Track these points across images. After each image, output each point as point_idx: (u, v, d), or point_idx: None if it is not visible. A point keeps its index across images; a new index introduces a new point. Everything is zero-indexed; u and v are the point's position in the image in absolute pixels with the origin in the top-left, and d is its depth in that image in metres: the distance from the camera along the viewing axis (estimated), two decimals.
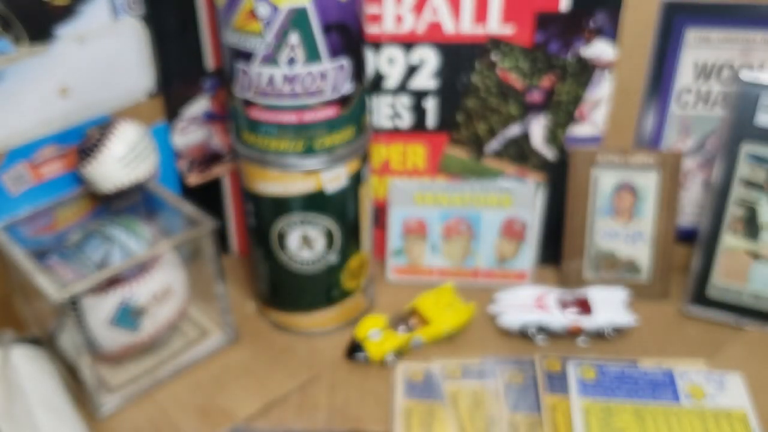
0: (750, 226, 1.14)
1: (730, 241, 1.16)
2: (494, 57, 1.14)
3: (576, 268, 1.25)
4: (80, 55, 1.06)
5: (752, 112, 1.10)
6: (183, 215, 1.08)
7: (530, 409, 1.03)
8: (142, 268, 1.03)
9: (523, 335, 1.16)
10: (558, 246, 1.27)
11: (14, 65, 1.00)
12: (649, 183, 1.20)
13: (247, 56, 0.96)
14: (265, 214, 1.09)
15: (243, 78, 0.98)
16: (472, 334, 1.17)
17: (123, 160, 1.04)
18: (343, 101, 1.00)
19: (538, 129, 1.19)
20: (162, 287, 1.05)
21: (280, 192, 1.05)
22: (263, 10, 0.91)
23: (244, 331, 1.18)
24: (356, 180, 1.08)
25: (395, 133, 1.21)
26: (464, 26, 1.12)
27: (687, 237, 1.26)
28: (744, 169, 1.12)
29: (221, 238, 1.32)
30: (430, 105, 1.19)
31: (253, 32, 0.93)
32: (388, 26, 1.12)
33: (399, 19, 1.12)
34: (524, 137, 1.20)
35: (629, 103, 1.17)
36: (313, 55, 0.95)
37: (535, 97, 1.17)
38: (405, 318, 1.16)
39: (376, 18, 1.12)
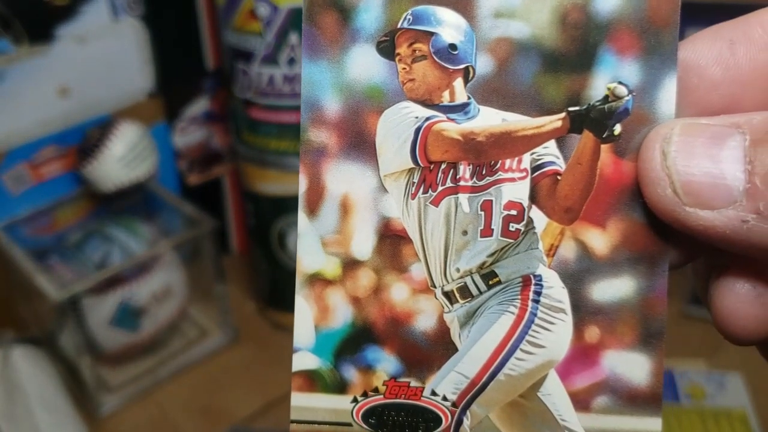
0: None
1: None
2: None
3: None
4: (80, 55, 1.06)
5: None
6: (183, 215, 1.08)
7: None
8: (142, 268, 1.03)
9: None
10: None
11: (14, 65, 1.00)
12: None
13: (247, 56, 0.96)
14: (265, 214, 1.09)
15: (243, 78, 0.98)
16: None
17: (123, 160, 1.03)
18: None
19: None
20: (162, 287, 1.05)
21: (280, 192, 1.05)
22: (263, 10, 0.91)
23: (244, 331, 1.17)
24: None
25: None
26: None
27: None
28: None
29: (221, 238, 1.32)
30: None
31: (253, 32, 0.94)
32: None
33: None
34: None
35: None
36: None
37: None
38: None
39: None
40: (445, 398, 0.37)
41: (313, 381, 0.38)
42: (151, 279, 1.04)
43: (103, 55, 1.08)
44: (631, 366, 0.37)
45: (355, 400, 0.37)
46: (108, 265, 1.01)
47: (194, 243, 1.09)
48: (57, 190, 1.09)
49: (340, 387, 0.38)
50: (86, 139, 1.04)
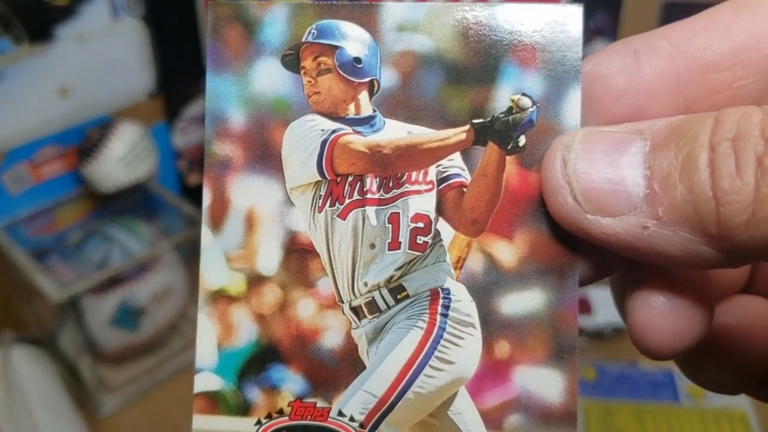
0: None
1: None
2: None
3: None
4: (80, 55, 1.06)
5: None
6: (183, 215, 1.08)
7: None
8: (142, 268, 1.03)
9: None
10: None
11: (14, 65, 1.00)
12: None
13: None
14: None
15: None
16: None
17: (123, 160, 1.04)
18: None
19: None
20: (162, 287, 1.06)
21: None
22: None
23: None
24: None
25: None
26: None
27: None
28: None
29: None
30: None
31: None
32: None
33: None
34: None
35: None
36: None
37: None
38: None
39: None
40: (352, 419, 0.36)
41: (215, 403, 0.37)
42: (151, 279, 1.04)
43: (103, 55, 1.08)
44: (544, 383, 0.36)
45: (259, 423, 0.36)
46: (108, 265, 1.01)
47: (194, 243, 1.09)
48: (57, 190, 1.10)
49: (244, 409, 0.37)
50: (86, 139, 1.05)
